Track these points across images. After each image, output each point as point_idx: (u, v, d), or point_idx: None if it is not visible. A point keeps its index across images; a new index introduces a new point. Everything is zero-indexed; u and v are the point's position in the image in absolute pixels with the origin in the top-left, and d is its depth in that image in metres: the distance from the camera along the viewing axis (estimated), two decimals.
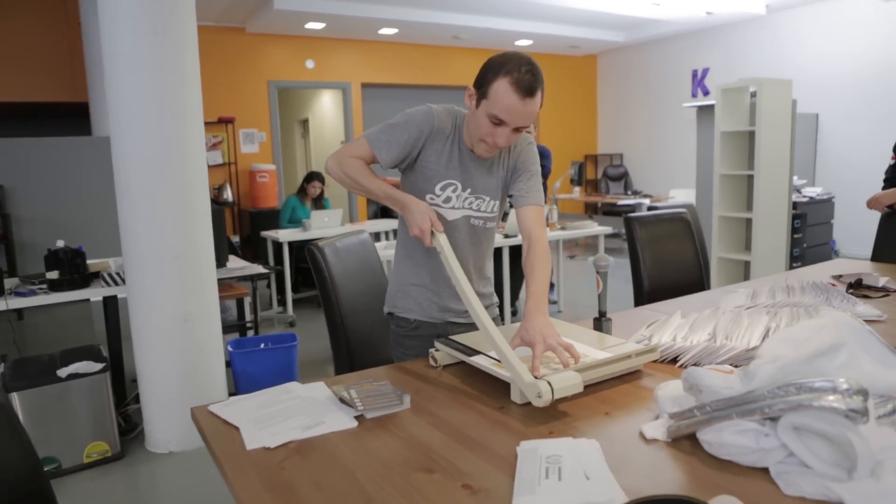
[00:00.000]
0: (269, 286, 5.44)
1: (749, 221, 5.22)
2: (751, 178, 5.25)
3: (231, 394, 3.10)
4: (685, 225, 2.88)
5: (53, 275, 2.82)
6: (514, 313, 5.05)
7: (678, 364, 1.49)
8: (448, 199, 1.68)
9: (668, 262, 2.76)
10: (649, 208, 2.91)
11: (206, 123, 3.12)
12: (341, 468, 1.04)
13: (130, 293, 2.75)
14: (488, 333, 1.35)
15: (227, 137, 7.31)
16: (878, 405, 1.06)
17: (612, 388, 1.37)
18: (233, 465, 1.06)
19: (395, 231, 6.26)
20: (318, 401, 1.32)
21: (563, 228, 4.83)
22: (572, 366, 1.32)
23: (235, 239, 6.77)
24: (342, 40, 7.99)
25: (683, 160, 8.92)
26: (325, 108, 9.25)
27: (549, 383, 1.20)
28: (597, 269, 1.71)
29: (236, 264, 3.58)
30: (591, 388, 1.34)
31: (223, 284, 2.98)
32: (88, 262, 3.00)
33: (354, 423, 1.21)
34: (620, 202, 8.06)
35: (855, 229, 7.01)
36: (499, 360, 1.37)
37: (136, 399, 3.21)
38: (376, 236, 6.54)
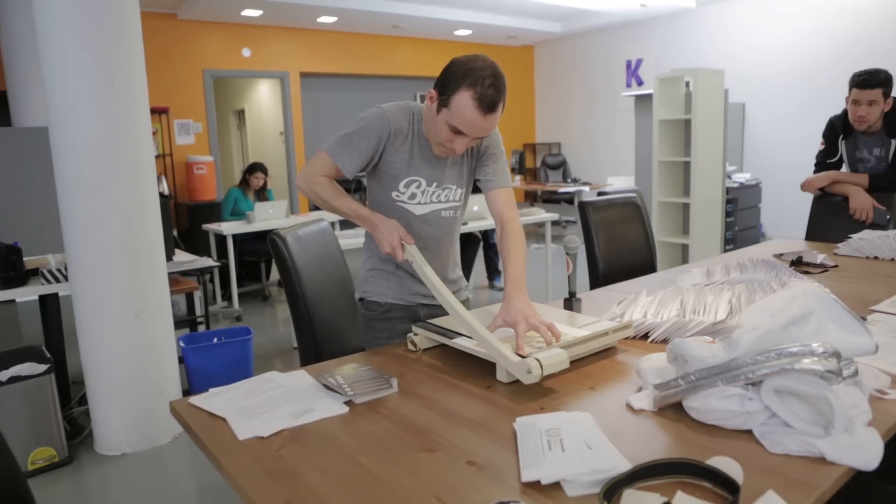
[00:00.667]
0: (211, 280, 5.28)
1: (686, 206, 5.45)
2: (687, 164, 5.47)
3: (184, 391, 3.00)
4: (636, 209, 2.98)
5: None
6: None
7: (649, 339, 1.55)
8: (413, 196, 1.70)
9: (621, 245, 2.85)
10: (599, 193, 2.99)
11: None
12: (341, 452, 1.03)
13: (76, 290, 2.61)
14: (471, 327, 1.36)
15: (161, 128, 7.02)
16: (844, 367, 1.14)
17: (592, 363, 1.42)
18: (228, 456, 1.03)
19: (341, 222, 6.19)
20: (303, 388, 1.30)
21: None
22: (555, 343, 1.35)
23: (174, 233, 6.52)
24: (280, 28, 7.80)
25: (620, 148, 9.20)
26: (263, 99, 9.01)
27: (539, 360, 1.22)
28: (566, 251, 1.75)
29: (183, 258, 3.46)
30: (572, 364, 1.38)
31: (170, 279, 2.87)
32: (24, 259, 2.83)
33: (345, 409, 1.20)
34: (561, 190, 8.24)
35: (780, 213, 7.43)
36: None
37: (82, 401, 3.06)
38: None
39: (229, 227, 5.01)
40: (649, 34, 8.71)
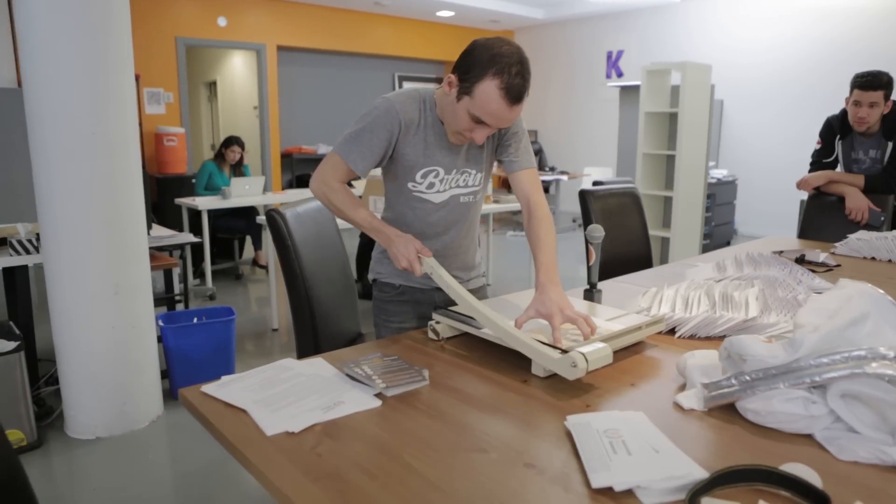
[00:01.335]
0: (181, 256, 5.08)
1: (667, 200, 5.47)
2: (670, 157, 5.49)
3: (162, 371, 2.85)
4: (634, 199, 2.95)
5: None
6: None
7: (677, 335, 1.50)
8: (431, 185, 1.62)
9: (620, 235, 2.81)
10: (595, 183, 2.95)
11: None
12: (384, 451, 0.95)
13: (49, 263, 2.43)
14: (504, 330, 1.29)
15: None
16: None
17: (624, 359, 1.36)
18: (259, 455, 0.94)
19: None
20: (325, 379, 1.21)
21: (496, 202, 4.83)
22: (592, 337, 1.29)
23: None
24: None
25: (598, 139, 9.21)
26: (237, 71, 8.71)
27: (584, 354, 1.16)
28: (589, 241, 1.69)
29: (160, 232, 3.29)
30: None
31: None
32: None
33: (377, 402, 1.11)
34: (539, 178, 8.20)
35: (752, 211, 7.55)
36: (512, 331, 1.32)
37: (50, 381, 2.89)
38: None
39: (204, 203, 4.82)
40: (632, 26, 8.71)
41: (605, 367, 1.28)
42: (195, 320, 2.94)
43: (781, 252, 2.53)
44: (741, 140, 7.68)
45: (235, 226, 5.39)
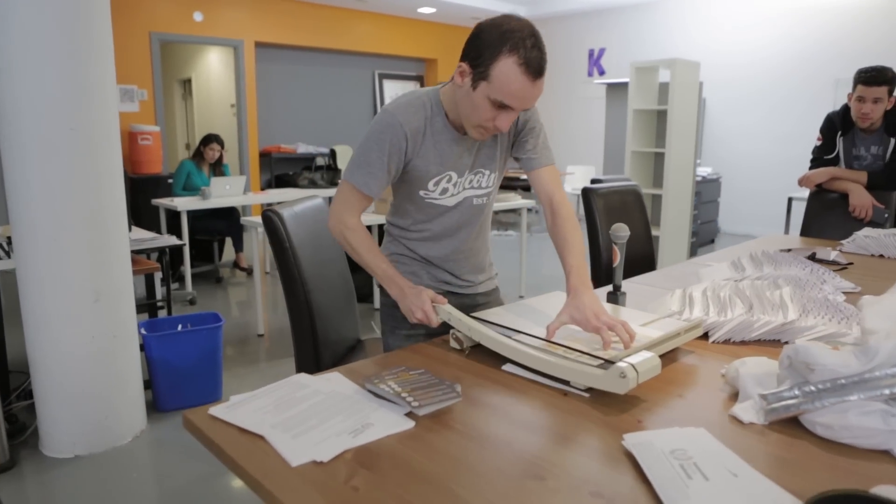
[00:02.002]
0: (161, 260, 4.89)
1: (655, 198, 5.43)
2: (658, 155, 5.45)
3: (145, 381, 2.69)
4: (636, 197, 2.87)
5: None
6: None
7: (711, 339, 1.42)
8: (445, 191, 1.53)
9: None
10: (593, 181, 2.88)
11: None
12: (428, 481, 0.84)
13: (22, 268, 2.26)
14: (539, 359, 1.18)
15: None
16: None
17: (663, 367, 1.27)
18: (287, 491, 0.82)
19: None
20: (347, 397, 1.09)
21: None
22: (634, 345, 1.19)
23: None
24: None
25: (582, 137, 9.18)
26: (213, 68, 8.48)
27: (633, 365, 1.06)
28: (614, 241, 1.60)
29: (140, 234, 3.12)
30: None
31: None
32: None
33: (410, 423, 1.00)
34: (523, 176, 8.14)
35: (735, 209, 7.57)
36: (542, 340, 1.23)
37: (23, 395, 2.71)
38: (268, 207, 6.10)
39: (183, 203, 4.63)
40: (613, 24, 8.69)
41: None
42: (179, 328, 2.78)
43: (790, 250, 2.48)
44: (723, 140, 7.70)
45: (215, 227, 5.21)
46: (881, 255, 2.43)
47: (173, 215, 4.81)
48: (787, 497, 0.78)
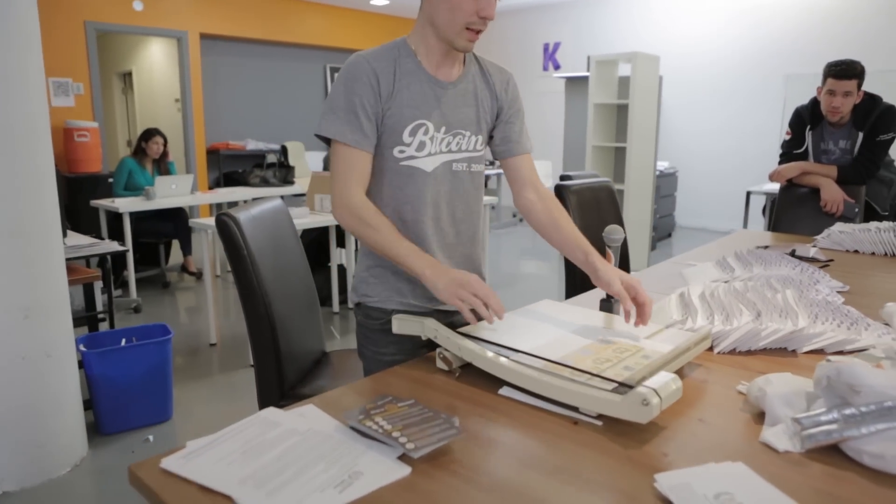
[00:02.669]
0: (103, 266, 4.57)
1: (617, 193, 5.40)
2: (618, 149, 5.42)
3: (85, 401, 2.44)
4: (609, 194, 2.79)
5: None
6: None
7: (716, 350, 1.31)
8: (422, 146, 1.34)
9: (598, 233, 2.64)
10: (562, 177, 2.78)
11: None
12: None
13: None
14: (550, 385, 1.04)
15: None
16: None
17: None
18: None
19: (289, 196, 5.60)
20: (327, 436, 0.93)
21: None
22: (649, 363, 1.07)
23: None
24: None
25: (538, 132, 9.13)
26: (155, 61, 8.06)
27: (655, 391, 0.93)
28: (607, 243, 1.48)
29: (78, 241, 2.86)
30: None
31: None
32: None
33: (405, 469, 0.85)
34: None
35: (690, 203, 7.65)
36: (544, 360, 1.09)
37: None
38: (218, 208, 5.82)
39: (126, 204, 4.33)
40: (565, 17, 8.66)
41: None
42: (123, 342, 2.54)
43: (767, 247, 2.43)
44: (678, 131, 7.77)
45: (161, 229, 4.91)
46: (856, 251, 2.41)
47: (115, 217, 4.49)
48: None
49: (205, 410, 2.83)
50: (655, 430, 0.98)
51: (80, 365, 2.51)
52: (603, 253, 1.48)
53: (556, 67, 8.85)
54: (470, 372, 1.19)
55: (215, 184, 7.72)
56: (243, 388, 3.07)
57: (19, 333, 2.06)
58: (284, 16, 7.95)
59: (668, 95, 7.77)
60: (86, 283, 2.64)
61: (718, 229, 7.40)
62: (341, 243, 4.55)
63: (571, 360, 1.11)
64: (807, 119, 2.91)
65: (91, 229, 4.75)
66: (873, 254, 2.38)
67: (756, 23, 7.03)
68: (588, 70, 6.72)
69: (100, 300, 2.85)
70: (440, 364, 1.21)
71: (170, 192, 4.67)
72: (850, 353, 1.27)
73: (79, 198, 5.66)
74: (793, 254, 2.28)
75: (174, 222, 4.91)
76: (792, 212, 2.95)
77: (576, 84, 6.25)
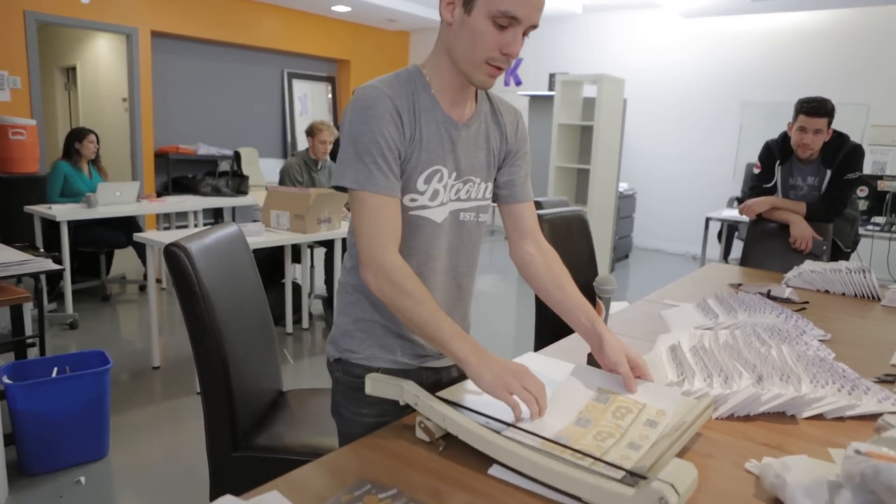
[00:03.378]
0: (36, 286, 4.24)
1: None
2: (581, 171, 5.41)
3: (6, 435, 2.20)
4: (582, 223, 2.72)
5: None
6: None
7: (714, 416, 1.22)
8: (436, 194, 1.20)
9: (570, 264, 2.56)
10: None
11: None
12: None
13: None
14: (554, 473, 0.91)
15: None
16: None
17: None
18: None
19: (241, 213, 5.28)
20: None
21: None
22: (657, 441, 0.97)
23: None
24: None
25: None
26: (102, 57, 7.67)
27: (673, 485, 0.83)
28: (599, 294, 1.38)
29: (7, 255, 2.59)
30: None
31: None
32: None
33: None
34: None
35: (647, 225, 7.74)
36: (540, 437, 0.97)
37: None
38: (166, 218, 5.52)
39: (64, 212, 4.03)
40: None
41: None
42: (55, 372, 2.31)
43: (740, 285, 2.39)
44: (636, 154, 7.85)
45: (101, 237, 4.59)
46: (826, 291, 2.39)
47: (51, 224, 4.18)
48: None
49: (145, 444, 2.61)
50: None
51: (2, 396, 2.26)
52: (593, 303, 1.38)
53: (518, 83, 8.85)
54: (455, 442, 1.06)
55: (163, 189, 7.37)
56: (188, 416, 2.86)
57: None
58: (242, 17, 7.69)
59: (628, 117, 7.85)
60: (13, 304, 2.39)
61: (675, 252, 7.49)
62: (297, 259, 4.35)
63: (570, 435, 1.00)
64: (776, 154, 2.92)
65: (24, 237, 4.41)
66: (843, 294, 2.37)
67: (714, 50, 7.17)
68: (550, 89, 6.73)
69: (29, 324, 2.59)
70: (420, 434, 1.08)
71: (113, 199, 4.38)
72: (850, 418, 1.21)
73: (13, 200, 5.26)
74: (768, 294, 2.24)
75: (125, 232, 4.56)
76: (761, 246, 2.94)
77: (539, 103, 6.23)
